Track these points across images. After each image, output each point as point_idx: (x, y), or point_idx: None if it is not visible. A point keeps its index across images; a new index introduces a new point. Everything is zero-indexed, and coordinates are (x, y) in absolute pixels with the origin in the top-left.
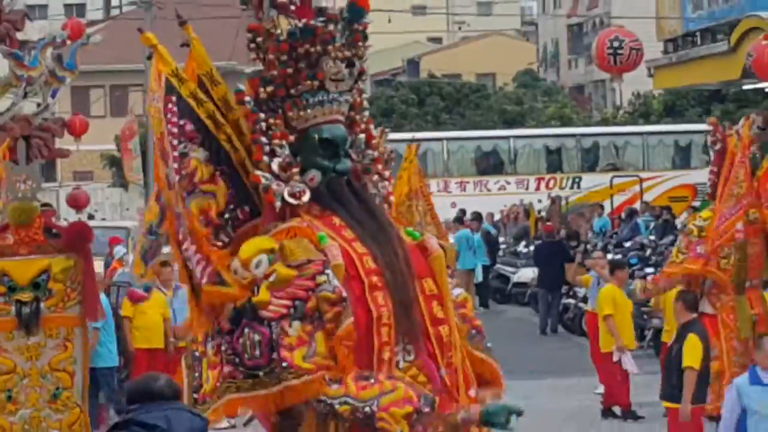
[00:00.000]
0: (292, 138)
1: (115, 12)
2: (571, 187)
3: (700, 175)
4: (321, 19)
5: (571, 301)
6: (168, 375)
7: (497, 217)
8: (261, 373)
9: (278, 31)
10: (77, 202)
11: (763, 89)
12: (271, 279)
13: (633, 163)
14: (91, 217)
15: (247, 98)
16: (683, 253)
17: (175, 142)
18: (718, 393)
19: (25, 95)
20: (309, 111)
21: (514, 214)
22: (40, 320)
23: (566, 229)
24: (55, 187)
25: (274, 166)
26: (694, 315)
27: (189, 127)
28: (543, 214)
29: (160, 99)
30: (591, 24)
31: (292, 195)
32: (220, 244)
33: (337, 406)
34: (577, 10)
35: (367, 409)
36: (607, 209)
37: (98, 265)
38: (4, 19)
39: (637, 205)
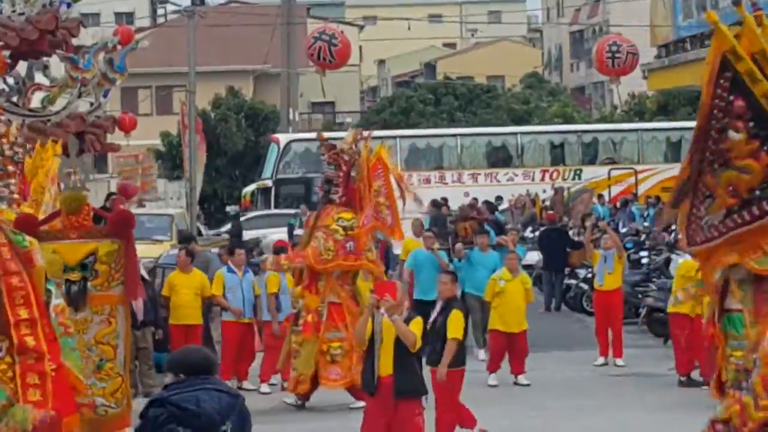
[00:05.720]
0: None
1: (160, 20)
2: (573, 179)
3: None
4: None
5: (573, 281)
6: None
7: (505, 206)
8: None
9: None
10: (127, 192)
11: None
12: None
13: (629, 157)
14: (141, 205)
15: None
16: (331, 250)
17: (720, 114)
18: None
19: (80, 95)
20: None
21: (521, 203)
22: (87, 298)
23: (569, 218)
24: (106, 178)
25: None
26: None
27: (739, 103)
28: (547, 203)
29: (713, 77)
30: (591, 31)
31: None
32: (747, 216)
33: None
34: (579, 18)
35: None
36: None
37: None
38: (61, 26)
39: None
